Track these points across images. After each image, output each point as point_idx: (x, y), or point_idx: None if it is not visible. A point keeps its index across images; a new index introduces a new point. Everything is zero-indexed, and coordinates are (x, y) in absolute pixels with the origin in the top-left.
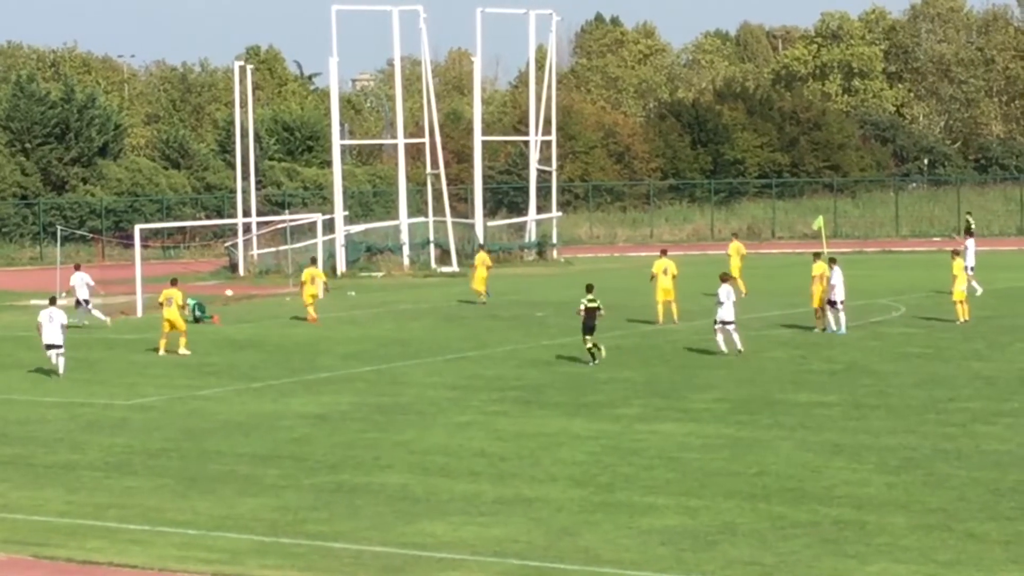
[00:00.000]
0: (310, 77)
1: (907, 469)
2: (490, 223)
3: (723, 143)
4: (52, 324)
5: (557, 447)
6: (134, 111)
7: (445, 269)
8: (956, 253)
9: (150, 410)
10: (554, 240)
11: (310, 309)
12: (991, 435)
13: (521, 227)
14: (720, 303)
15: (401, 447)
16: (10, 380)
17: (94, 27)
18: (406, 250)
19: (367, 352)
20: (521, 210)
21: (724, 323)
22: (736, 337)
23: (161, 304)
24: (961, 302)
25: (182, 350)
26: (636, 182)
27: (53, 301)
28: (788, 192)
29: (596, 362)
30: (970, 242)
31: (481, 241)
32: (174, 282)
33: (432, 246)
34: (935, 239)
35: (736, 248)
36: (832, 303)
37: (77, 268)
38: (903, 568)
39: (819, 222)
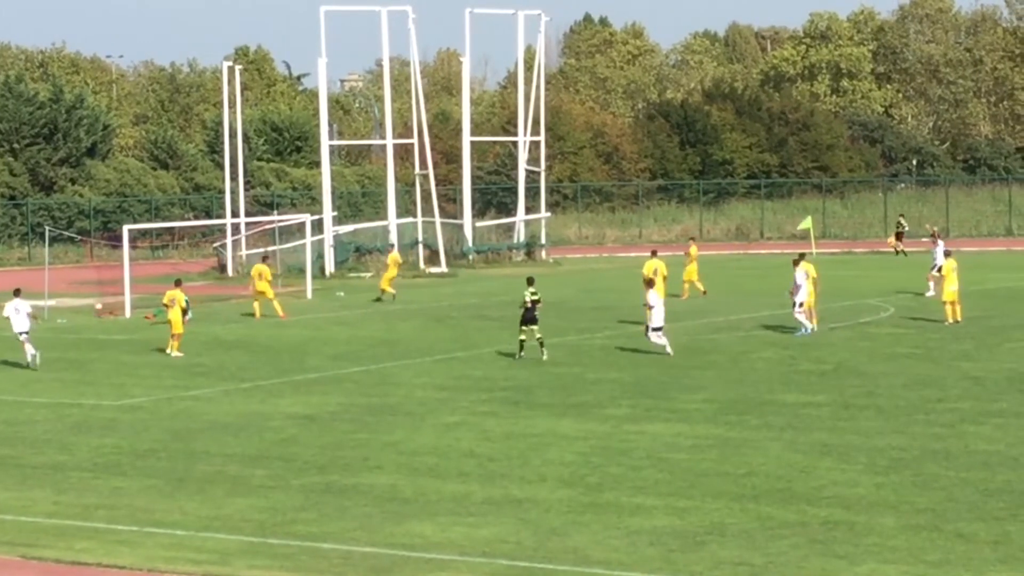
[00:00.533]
0: (299, 78)
1: (896, 469)
2: (479, 223)
3: (712, 144)
4: (19, 315)
5: (546, 447)
6: (122, 111)
7: (434, 270)
8: (947, 253)
9: (139, 411)
10: (543, 240)
11: (256, 304)
12: (980, 435)
13: (510, 227)
14: (651, 306)
15: (390, 448)
16: None
17: (82, 27)
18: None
19: (356, 353)
20: (510, 210)
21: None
22: (659, 340)
23: (166, 306)
24: (952, 303)
25: (174, 352)
26: (625, 182)
27: (18, 292)
28: (777, 192)
29: (522, 354)
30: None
31: (470, 242)
32: (178, 283)
33: (421, 247)
34: (923, 240)
35: (694, 252)
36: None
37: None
38: (892, 568)
39: (806, 223)
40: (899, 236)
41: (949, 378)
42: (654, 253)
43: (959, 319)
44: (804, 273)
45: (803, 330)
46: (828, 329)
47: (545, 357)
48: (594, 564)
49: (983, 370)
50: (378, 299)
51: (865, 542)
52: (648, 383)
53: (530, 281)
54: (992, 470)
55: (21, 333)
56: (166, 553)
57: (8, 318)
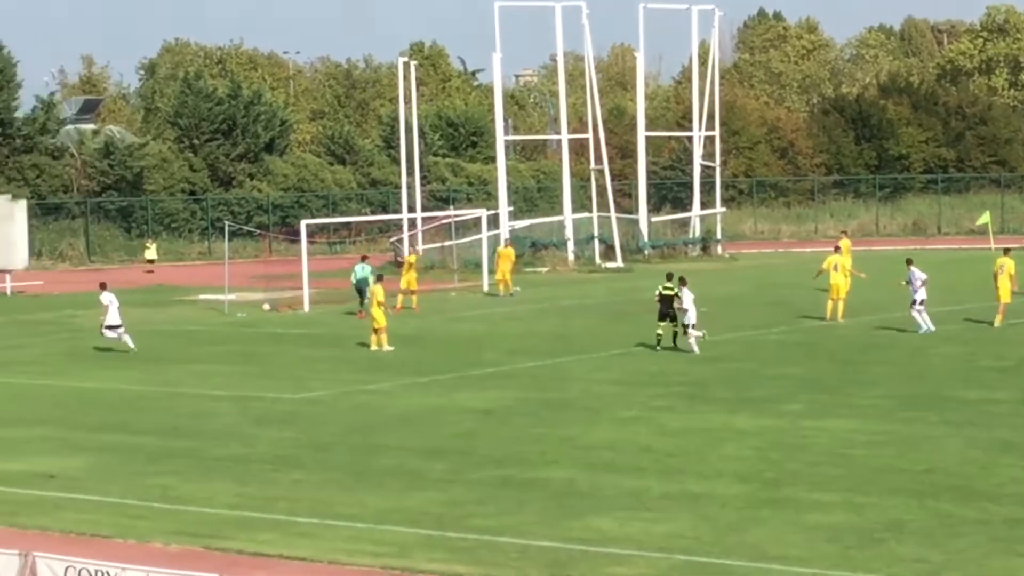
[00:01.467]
0: (473, 73)
1: None
2: (654, 218)
3: (888, 138)
4: (112, 307)
5: (722, 443)
6: (299, 107)
7: (610, 265)
8: None
9: (318, 404)
10: (718, 236)
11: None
12: None
13: (685, 223)
14: (685, 309)
15: (566, 442)
16: (180, 374)
17: (260, 24)
18: (570, 245)
19: (531, 347)
20: (685, 206)
21: (692, 326)
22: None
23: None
24: None
25: (374, 346)
26: (800, 178)
27: (104, 286)
28: (954, 187)
29: (659, 348)
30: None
31: (646, 237)
32: (379, 278)
33: (596, 241)
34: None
35: (846, 245)
36: (914, 303)
37: (103, 287)
38: None
39: (985, 218)
40: None
41: None
42: (837, 249)
43: None
44: (916, 272)
45: (924, 327)
46: (1008, 325)
47: (659, 348)
48: (771, 560)
49: None
50: (493, 294)
51: None
52: (824, 378)
53: (669, 276)
54: None
55: (115, 327)
56: (346, 546)
57: (106, 306)
